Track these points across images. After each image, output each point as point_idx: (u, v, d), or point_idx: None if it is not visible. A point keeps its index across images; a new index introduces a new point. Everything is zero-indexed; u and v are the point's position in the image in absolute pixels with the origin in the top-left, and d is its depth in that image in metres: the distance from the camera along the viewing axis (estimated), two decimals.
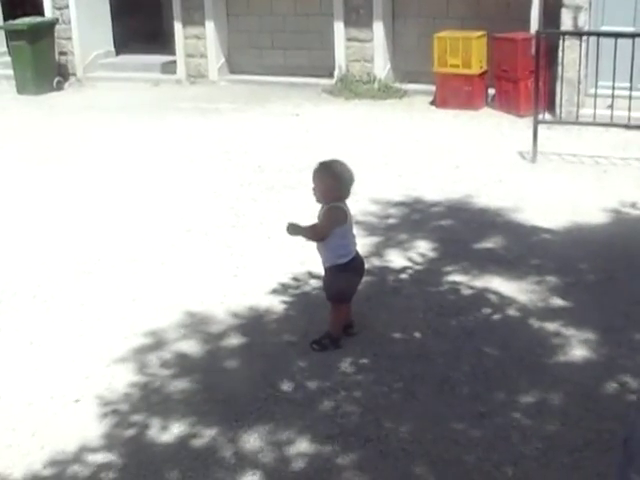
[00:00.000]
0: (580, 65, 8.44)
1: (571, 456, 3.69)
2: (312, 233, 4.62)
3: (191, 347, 4.74)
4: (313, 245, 4.75)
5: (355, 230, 4.83)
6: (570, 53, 8.49)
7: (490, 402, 4.10)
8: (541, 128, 8.08)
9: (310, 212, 4.65)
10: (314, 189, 4.56)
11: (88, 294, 5.52)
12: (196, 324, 5.01)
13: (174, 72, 12.67)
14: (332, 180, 4.51)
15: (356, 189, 4.77)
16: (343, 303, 4.69)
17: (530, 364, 4.42)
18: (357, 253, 4.72)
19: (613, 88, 7.86)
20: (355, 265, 4.67)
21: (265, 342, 4.78)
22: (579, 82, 8.98)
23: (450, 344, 4.67)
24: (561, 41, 8.40)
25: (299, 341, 4.74)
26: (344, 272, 4.60)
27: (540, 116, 8.20)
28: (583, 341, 4.64)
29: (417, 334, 4.82)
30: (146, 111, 10.92)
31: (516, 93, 9.74)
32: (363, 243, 5.80)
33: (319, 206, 4.63)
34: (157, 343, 4.80)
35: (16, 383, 4.48)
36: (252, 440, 3.87)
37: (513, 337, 4.73)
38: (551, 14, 9.43)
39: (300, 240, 5.65)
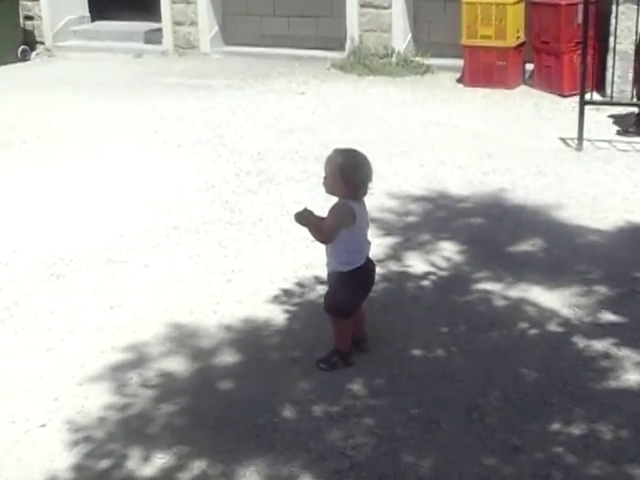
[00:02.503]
0: (637, 35, 8.40)
1: None
2: (317, 230, 4.58)
3: (178, 364, 4.73)
4: (320, 245, 4.73)
5: (370, 230, 4.79)
6: (624, 20, 8.44)
7: (527, 434, 4.08)
8: (588, 110, 8.07)
9: (315, 208, 4.63)
10: (325, 179, 4.56)
11: (58, 301, 5.51)
12: (184, 337, 5.00)
13: (159, 42, 12.71)
14: (345, 172, 4.46)
15: None
16: (341, 318, 4.65)
17: (574, 390, 4.40)
18: (367, 261, 4.67)
19: None
20: (361, 276, 4.60)
21: (264, 359, 4.77)
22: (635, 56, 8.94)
23: (480, 364, 4.65)
24: (614, 6, 8.35)
25: (304, 358, 4.73)
26: (345, 282, 4.55)
27: (587, 96, 8.17)
28: (638, 363, 4.61)
29: (441, 352, 4.80)
30: (126, 87, 10.93)
31: (559, 69, 9.74)
32: (378, 244, 5.79)
33: (326, 201, 4.62)
34: (138, 359, 4.79)
35: None
36: (248, 474, 3.85)
37: (554, 357, 4.70)
38: None
39: (305, 240, 5.66)
